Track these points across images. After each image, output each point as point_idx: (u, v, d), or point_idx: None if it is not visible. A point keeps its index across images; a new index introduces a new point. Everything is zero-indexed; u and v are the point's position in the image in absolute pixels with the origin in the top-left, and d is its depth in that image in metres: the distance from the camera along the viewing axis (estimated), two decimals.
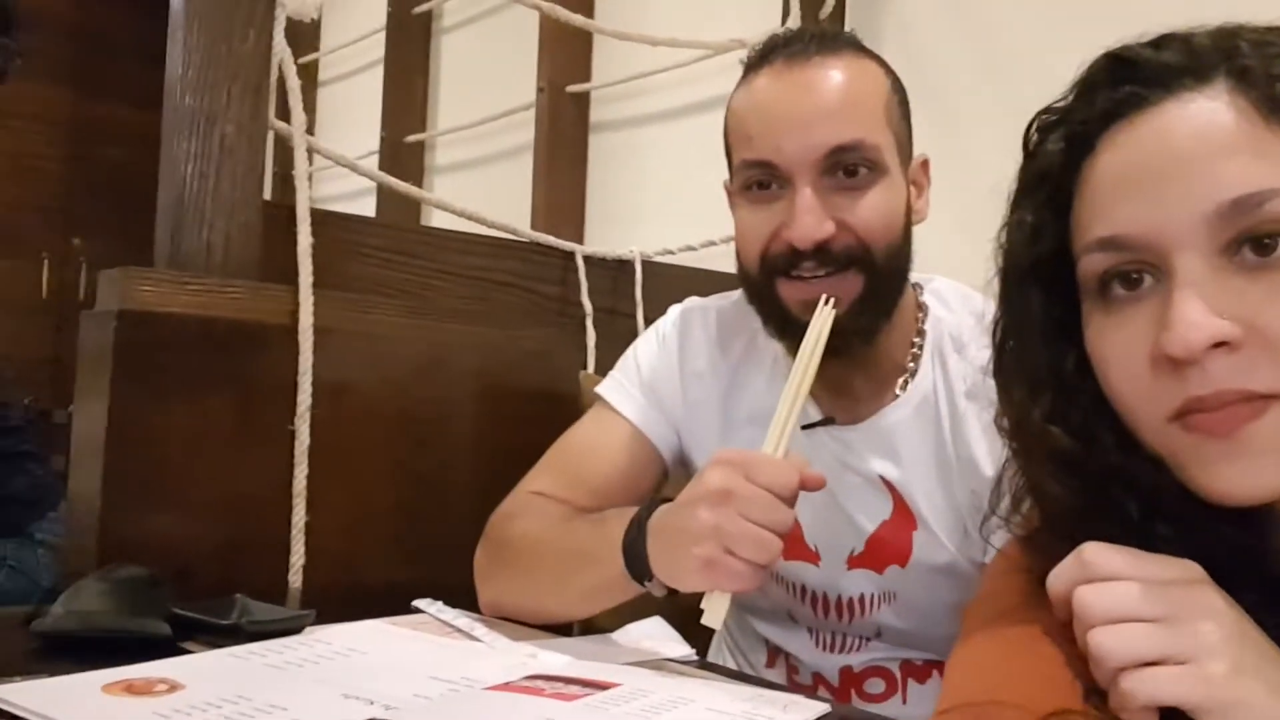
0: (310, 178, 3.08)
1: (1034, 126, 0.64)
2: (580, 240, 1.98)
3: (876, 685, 1.06)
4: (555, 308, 1.52)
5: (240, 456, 1.21)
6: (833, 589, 1.05)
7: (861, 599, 1.04)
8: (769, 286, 0.98)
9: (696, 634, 0.99)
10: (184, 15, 1.24)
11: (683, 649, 0.97)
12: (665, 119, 2.15)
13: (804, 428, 1.03)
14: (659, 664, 0.91)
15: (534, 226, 2.13)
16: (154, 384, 1.16)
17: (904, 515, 1.02)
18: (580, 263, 1.53)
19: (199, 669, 0.77)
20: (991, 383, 0.67)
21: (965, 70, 1.65)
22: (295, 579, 1.22)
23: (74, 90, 3.81)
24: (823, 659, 1.07)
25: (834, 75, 0.95)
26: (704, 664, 0.97)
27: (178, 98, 1.24)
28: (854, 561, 1.04)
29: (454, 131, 2.66)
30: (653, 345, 1.15)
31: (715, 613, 0.86)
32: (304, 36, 3.28)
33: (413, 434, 1.32)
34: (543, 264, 1.52)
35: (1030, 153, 0.64)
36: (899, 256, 0.98)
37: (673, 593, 0.90)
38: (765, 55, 0.99)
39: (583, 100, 2.24)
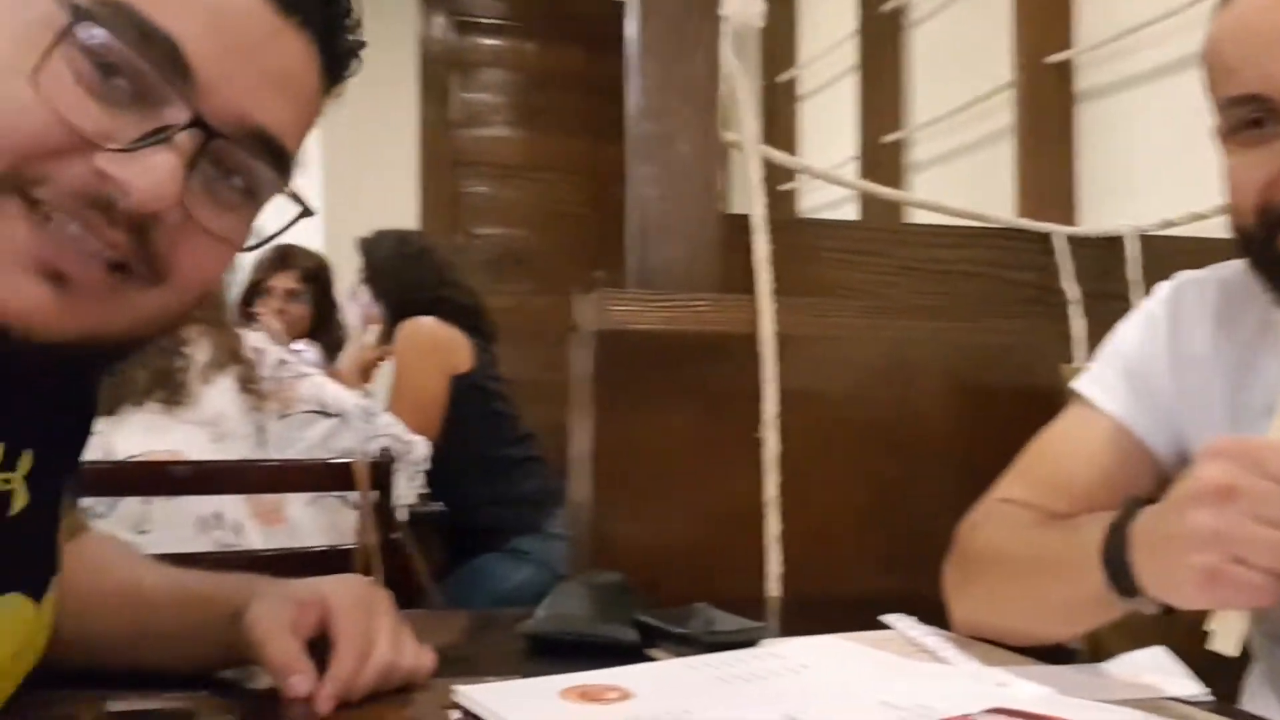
0: (794, 192, 3.14)
1: None
2: (1070, 221, 1.81)
3: None
4: (1031, 296, 1.39)
5: (711, 466, 1.23)
6: None
7: None
8: (1270, 243, 0.81)
9: (1223, 668, 0.84)
10: (638, 47, 1.31)
11: (1192, 686, 0.82)
12: (1158, 76, 1.90)
13: None
14: (1158, 704, 0.77)
15: (1020, 212, 1.99)
16: (630, 398, 1.23)
17: None
18: (1060, 245, 1.38)
19: (652, 678, 0.78)
20: None
21: None
22: (774, 588, 1.22)
23: (592, 139, 4.24)
24: None
25: None
26: (1224, 708, 0.81)
27: (636, 125, 1.31)
28: None
29: (930, 125, 2.57)
30: (1137, 328, 1.00)
31: (1227, 636, 0.71)
32: (781, 54, 3.36)
33: (881, 439, 1.27)
34: (1016, 250, 1.40)
35: None
36: None
37: (1169, 611, 0.76)
38: None
39: (1064, 70, 2.05)
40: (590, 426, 1.23)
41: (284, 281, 2.88)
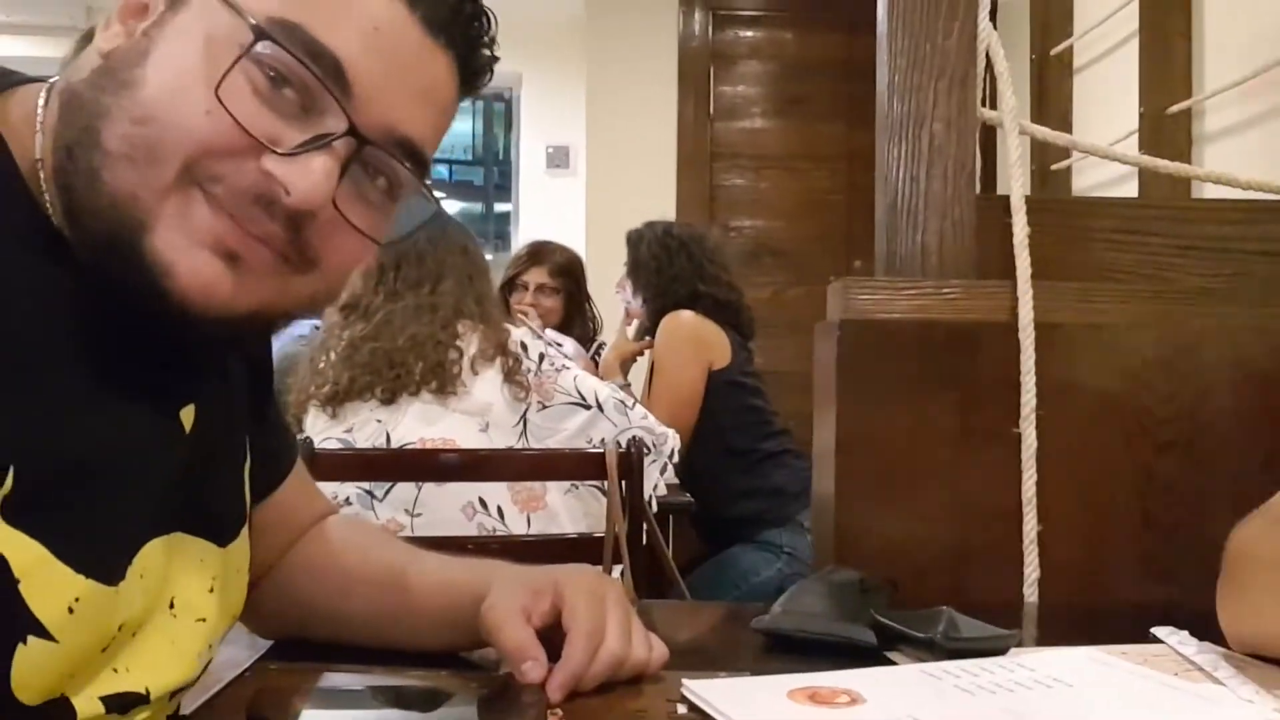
0: (1069, 170, 2.95)
1: None
2: None
3: None
4: None
5: (963, 461, 1.17)
6: None
7: None
8: None
9: None
10: (888, 23, 1.25)
11: None
12: None
13: None
14: None
15: None
16: (876, 390, 1.18)
17: None
18: None
19: (887, 683, 0.75)
20: None
21: None
22: (1030, 593, 1.14)
23: (846, 125, 4.15)
24: None
25: None
26: None
27: (886, 104, 1.25)
28: None
29: (1223, 91, 2.34)
30: None
31: None
32: (1055, 25, 3.15)
33: (1156, 435, 1.16)
34: None
35: None
36: None
37: None
38: None
39: None
40: (832, 419, 1.19)
41: (537, 276, 2.99)
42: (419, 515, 1.83)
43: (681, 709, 0.71)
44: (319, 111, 0.63)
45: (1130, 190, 2.54)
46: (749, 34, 4.32)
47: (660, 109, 4.24)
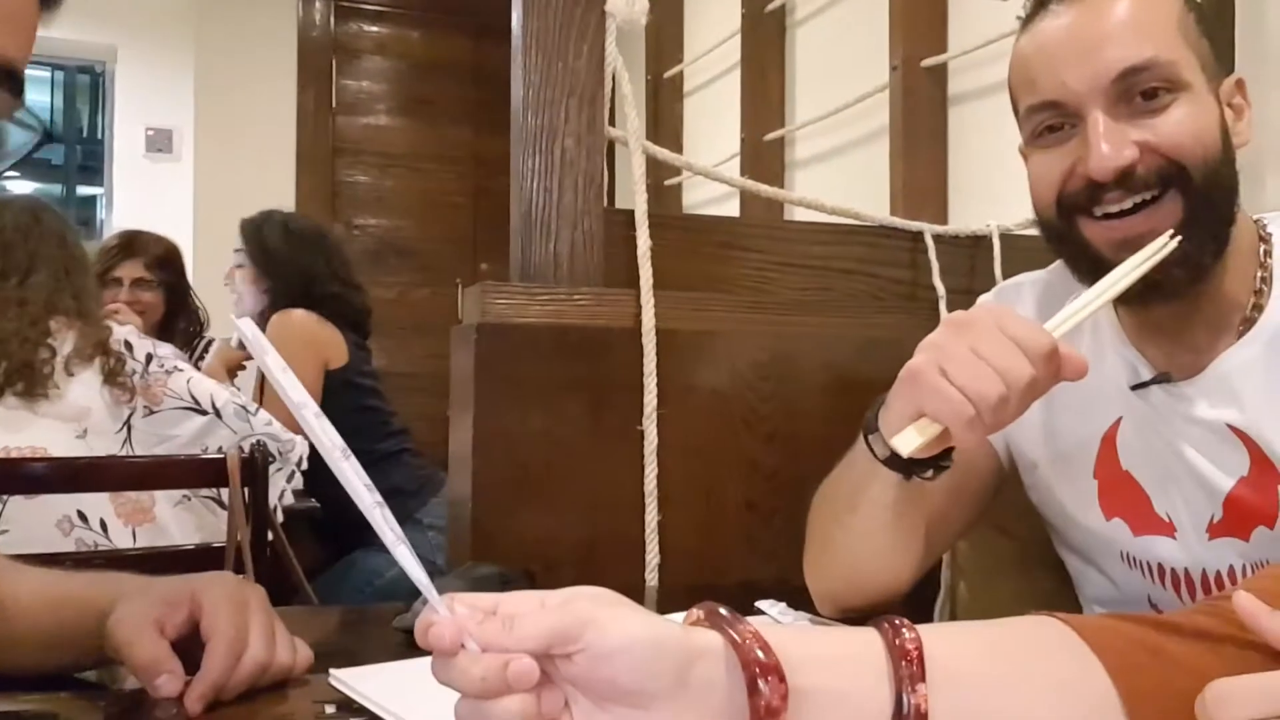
0: (680, 187, 3.14)
1: None
2: (944, 220, 1.87)
3: None
4: (905, 292, 1.43)
5: (593, 458, 1.24)
6: (1195, 564, 0.91)
7: (1230, 573, 0.89)
8: (1071, 228, 0.88)
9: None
10: (522, 39, 1.30)
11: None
12: None
13: (1134, 388, 0.92)
14: None
15: (893, 210, 2.04)
16: (511, 391, 1.23)
17: (1264, 466, 0.86)
18: (930, 242, 1.43)
19: None
20: None
21: None
22: (651, 578, 1.24)
23: (473, 129, 4.20)
24: None
25: (1114, 1, 0.86)
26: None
27: (521, 118, 1.30)
28: (1214, 530, 0.89)
29: (811, 124, 2.62)
30: None
31: (908, 439, 0.79)
32: (667, 50, 3.38)
33: (760, 430, 1.29)
34: (890, 247, 1.44)
35: None
36: (1220, 176, 0.85)
37: (902, 466, 0.84)
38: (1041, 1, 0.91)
39: (939, 74, 2.12)
40: (470, 421, 1.22)
41: (132, 270, 2.72)
42: (5, 532, 1.65)
43: (330, 709, 0.71)
44: None
45: (734, 207, 2.78)
46: (374, 29, 4.26)
47: (279, 98, 4.07)
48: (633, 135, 1.34)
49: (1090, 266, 0.88)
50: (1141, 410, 0.92)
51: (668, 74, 3.36)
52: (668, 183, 3.13)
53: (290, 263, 2.48)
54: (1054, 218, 0.89)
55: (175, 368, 1.84)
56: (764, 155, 2.77)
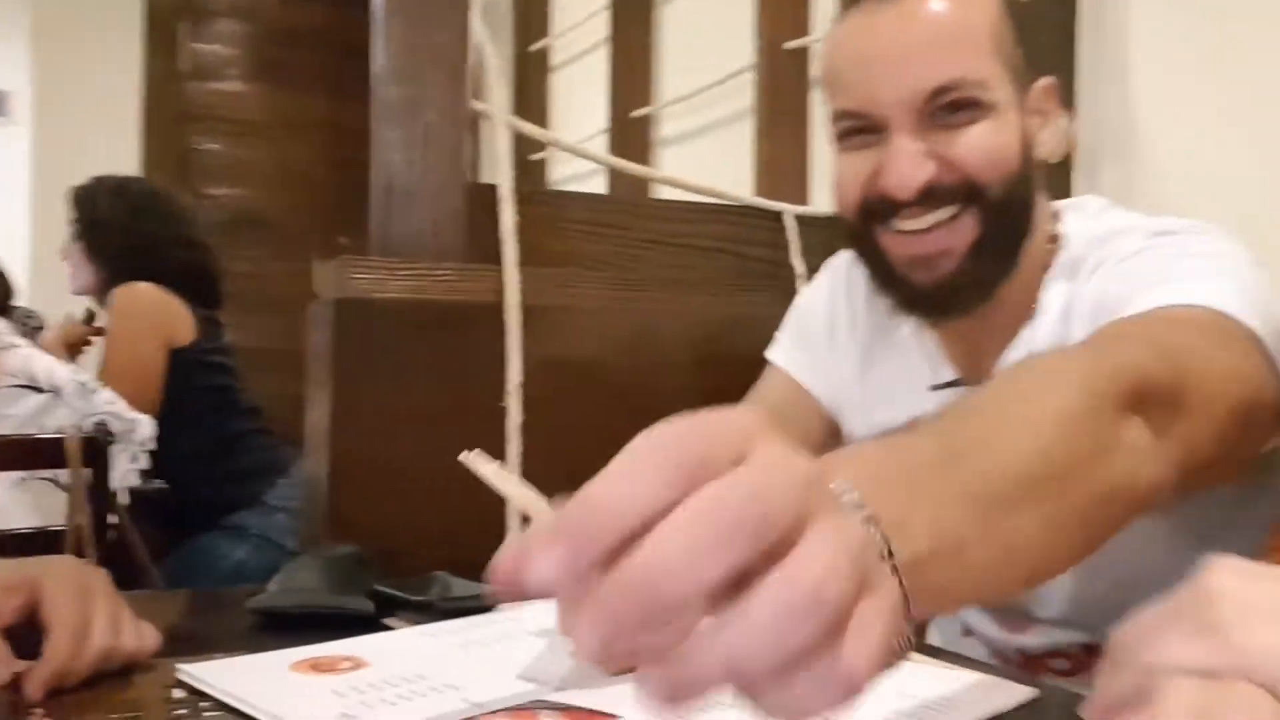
0: (545, 162, 3.11)
1: None
2: (805, 202, 1.90)
3: (1060, 666, 0.96)
4: (766, 271, 1.46)
5: (454, 436, 1.20)
6: None
7: None
8: (869, 236, 0.90)
9: None
10: (384, 8, 1.27)
11: None
12: None
13: (934, 388, 0.96)
14: None
15: (757, 191, 2.07)
16: (371, 368, 1.20)
17: None
18: (790, 223, 1.46)
19: (388, 647, 0.78)
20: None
21: None
22: None
23: (329, 97, 4.08)
24: (1006, 639, 0.98)
25: (930, 7, 0.86)
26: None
27: (382, 88, 1.27)
28: None
29: (678, 102, 2.63)
30: (807, 291, 1.13)
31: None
32: (534, 23, 3.35)
33: (625, 405, 1.29)
34: (753, 227, 1.47)
35: None
36: (1018, 192, 0.88)
37: None
38: None
39: (801, 56, 2.15)
40: (328, 398, 1.19)
41: None
42: None
43: (178, 693, 0.68)
44: None
45: (601, 184, 2.78)
46: None
47: (122, 60, 3.87)
48: (498, 109, 1.32)
49: (884, 275, 0.91)
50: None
51: (534, 47, 3.32)
52: (533, 157, 3.11)
53: (126, 231, 2.34)
54: (855, 221, 0.91)
55: (11, 344, 1.74)
56: (631, 132, 2.77)
